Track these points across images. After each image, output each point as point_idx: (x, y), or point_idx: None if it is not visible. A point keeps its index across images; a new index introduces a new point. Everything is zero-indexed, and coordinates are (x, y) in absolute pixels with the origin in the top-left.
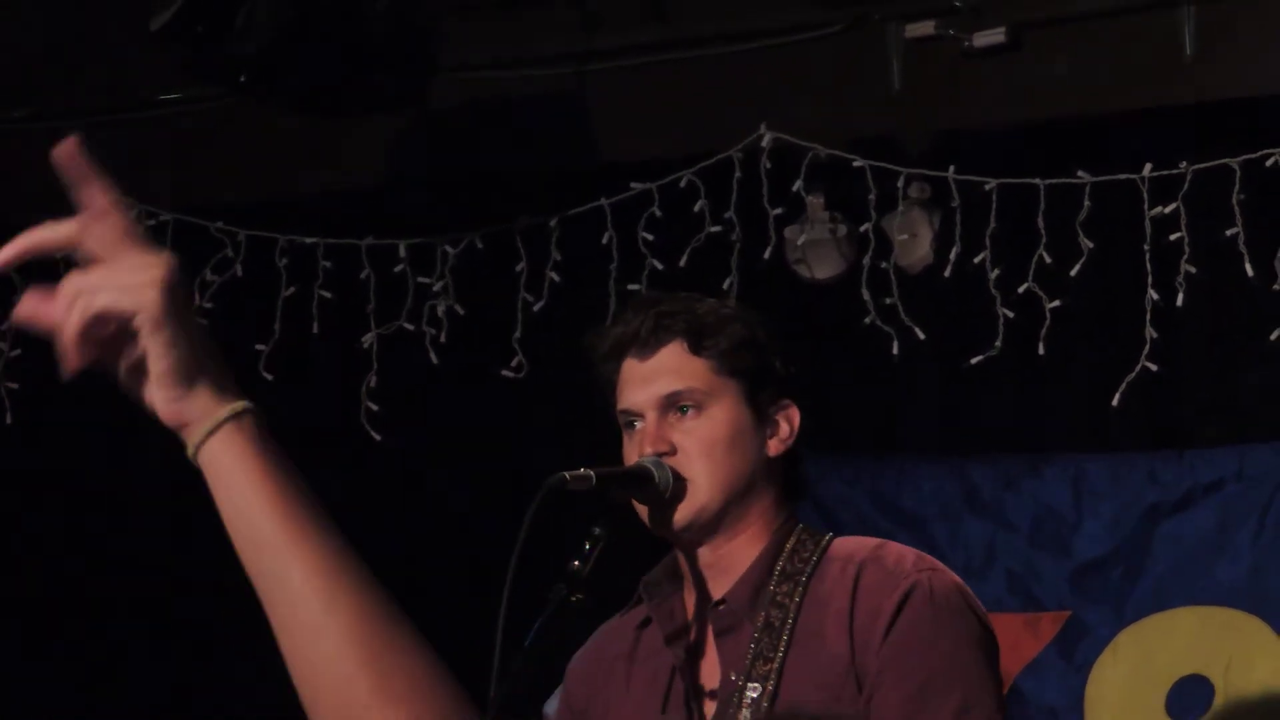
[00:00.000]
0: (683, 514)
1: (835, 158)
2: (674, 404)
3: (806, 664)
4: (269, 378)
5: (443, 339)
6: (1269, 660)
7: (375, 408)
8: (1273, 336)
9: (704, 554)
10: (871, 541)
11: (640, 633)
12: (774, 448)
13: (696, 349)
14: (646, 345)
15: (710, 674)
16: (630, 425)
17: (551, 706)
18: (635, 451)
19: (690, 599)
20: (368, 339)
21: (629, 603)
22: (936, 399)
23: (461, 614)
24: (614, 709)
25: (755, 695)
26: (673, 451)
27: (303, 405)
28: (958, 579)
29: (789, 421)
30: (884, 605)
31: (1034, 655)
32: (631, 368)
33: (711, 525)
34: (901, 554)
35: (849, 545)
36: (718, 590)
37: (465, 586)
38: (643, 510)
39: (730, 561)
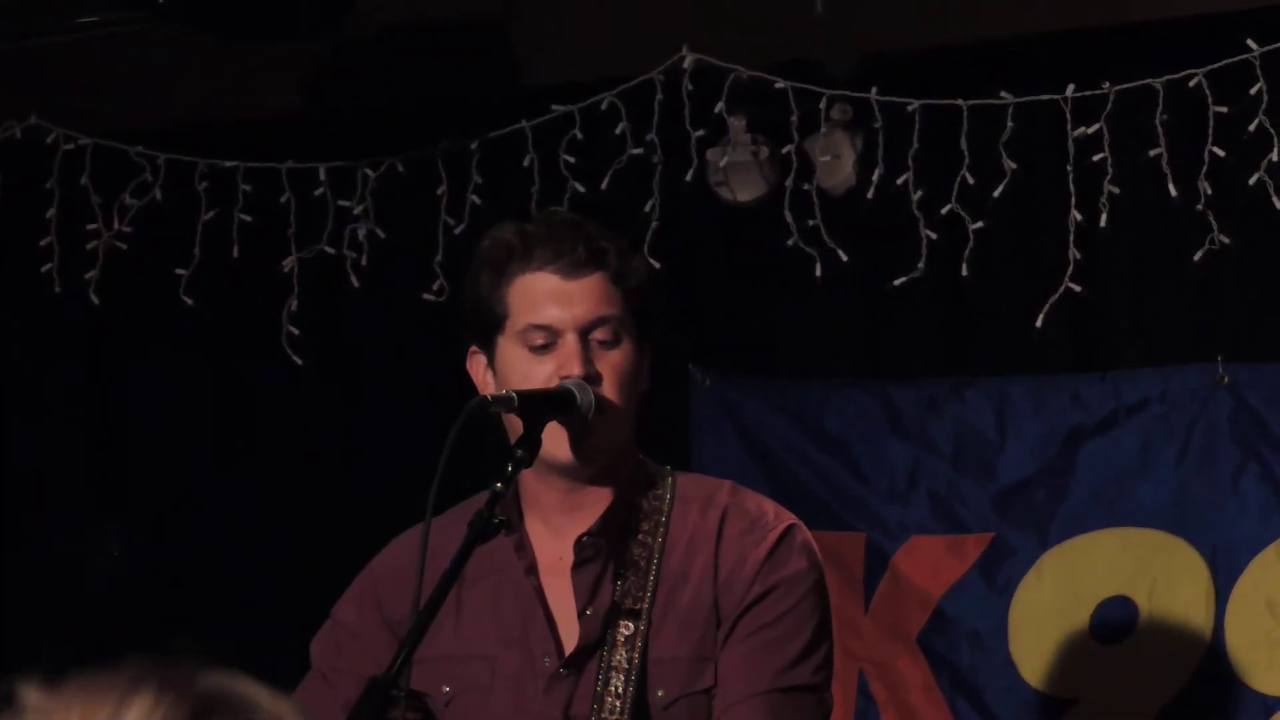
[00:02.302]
0: (599, 443)
1: (757, 79)
2: (593, 330)
3: (674, 605)
4: (189, 302)
5: (364, 262)
6: (1192, 581)
7: (296, 331)
8: (1196, 257)
9: (576, 486)
10: (722, 484)
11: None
12: (644, 385)
13: (618, 281)
14: (575, 266)
15: (564, 607)
16: (540, 345)
17: (346, 612)
18: (548, 370)
19: (539, 528)
20: (288, 263)
21: (479, 518)
22: (859, 321)
23: (383, 537)
24: (444, 627)
25: (629, 634)
26: (597, 378)
27: (223, 330)
28: (808, 532)
29: (650, 361)
30: (749, 554)
31: (957, 578)
32: (549, 282)
33: (611, 457)
34: (760, 502)
35: (699, 486)
36: (576, 523)
37: (387, 509)
38: (554, 436)
39: (594, 495)
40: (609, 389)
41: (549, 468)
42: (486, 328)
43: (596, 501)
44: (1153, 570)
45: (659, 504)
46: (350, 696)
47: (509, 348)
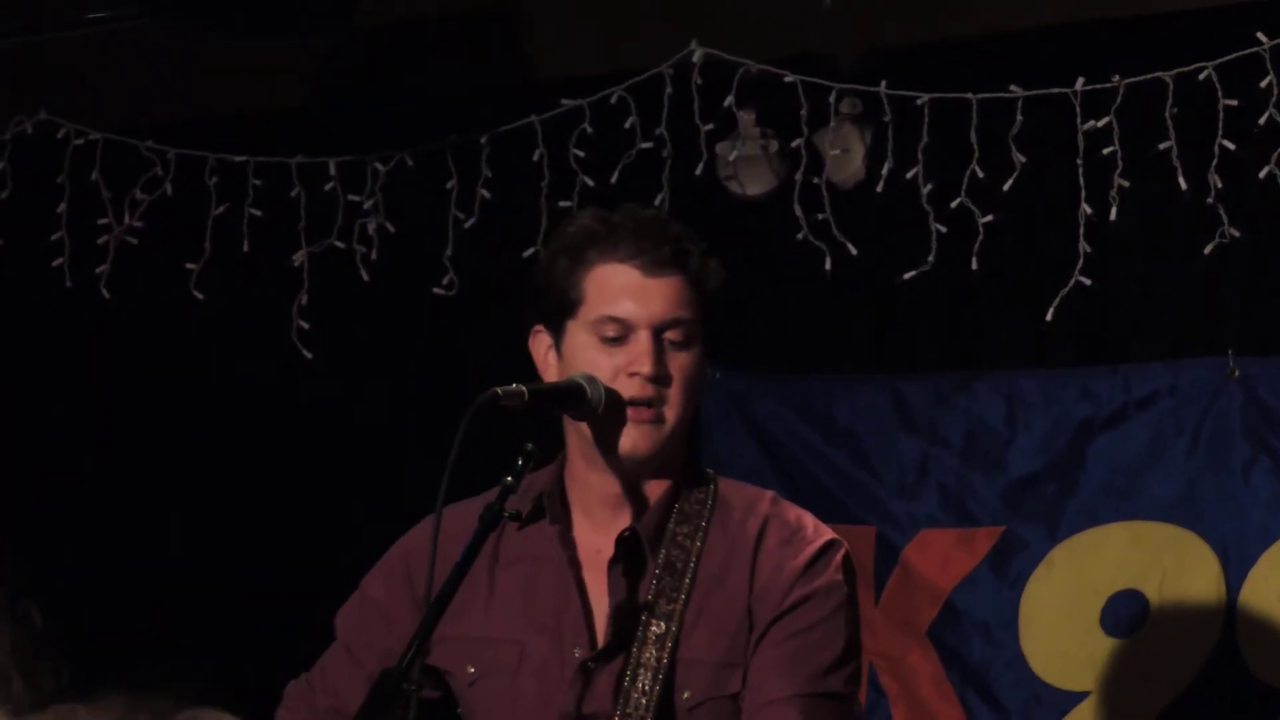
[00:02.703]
0: (653, 440)
1: (767, 73)
2: (667, 330)
3: (708, 609)
4: (200, 296)
5: (374, 257)
6: (1202, 574)
7: (306, 326)
8: (1206, 250)
9: (626, 483)
10: (763, 493)
11: (504, 535)
12: (702, 390)
13: (696, 284)
14: (659, 264)
15: (599, 601)
16: (612, 338)
17: (374, 587)
18: (621, 366)
19: (581, 520)
20: (298, 257)
21: (490, 510)
22: (869, 315)
23: (394, 532)
24: (474, 608)
25: (660, 633)
26: (668, 379)
27: (234, 324)
28: (847, 547)
29: (707, 366)
30: (787, 564)
31: (968, 571)
32: (630, 276)
33: (663, 457)
34: (800, 515)
35: (742, 493)
36: (618, 519)
37: (397, 504)
38: (615, 429)
39: (642, 493)
40: (676, 390)
41: (606, 462)
42: (557, 311)
43: (642, 499)
44: (1163, 563)
45: (700, 508)
46: (374, 671)
47: (579, 334)
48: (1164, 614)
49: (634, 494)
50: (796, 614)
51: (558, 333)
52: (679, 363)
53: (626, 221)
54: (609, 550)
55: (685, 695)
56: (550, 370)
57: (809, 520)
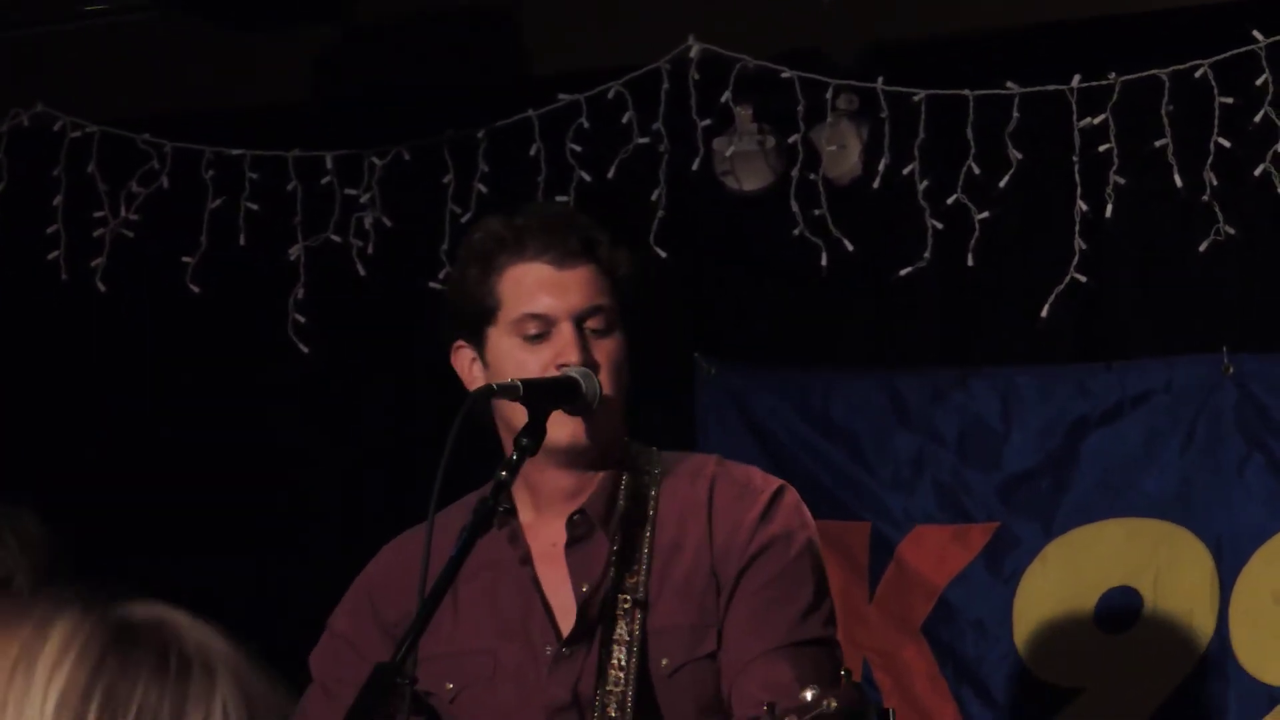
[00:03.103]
0: (598, 432)
1: (763, 69)
2: (588, 319)
3: (670, 575)
4: (196, 290)
5: (370, 251)
6: (1197, 571)
7: (302, 320)
8: (1202, 248)
9: (571, 472)
10: (708, 457)
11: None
12: (629, 375)
13: (608, 271)
14: (568, 256)
15: (561, 591)
16: (534, 335)
17: (341, 622)
18: (544, 359)
19: (532, 518)
20: (295, 251)
21: (484, 506)
22: (865, 311)
23: (389, 525)
24: (442, 624)
25: (627, 606)
26: (596, 366)
27: (230, 318)
28: (797, 494)
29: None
30: (744, 518)
31: (962, 567)
32: (542, 272)
33: (610, 445)
34: (747, 470)
35: (685, 461)
36: (567, 507)
37: (393, 497)
38: (561, 424)
39: (588, 480)
40: (605, 377)
41: (552, 456)
42: (475, 320)
43: (589, 485)
44: (1157, 560)
45: (647, 479)
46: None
47: (501, 339)
48: (1158, 610)
49: (580, 482)
50: (759, 564)
51: (479, 343)
52: (604, 349)
53: (531, 220)
54: (563, 539)
55: (664, 663)
56: (477, 383)
57: (756, 472)
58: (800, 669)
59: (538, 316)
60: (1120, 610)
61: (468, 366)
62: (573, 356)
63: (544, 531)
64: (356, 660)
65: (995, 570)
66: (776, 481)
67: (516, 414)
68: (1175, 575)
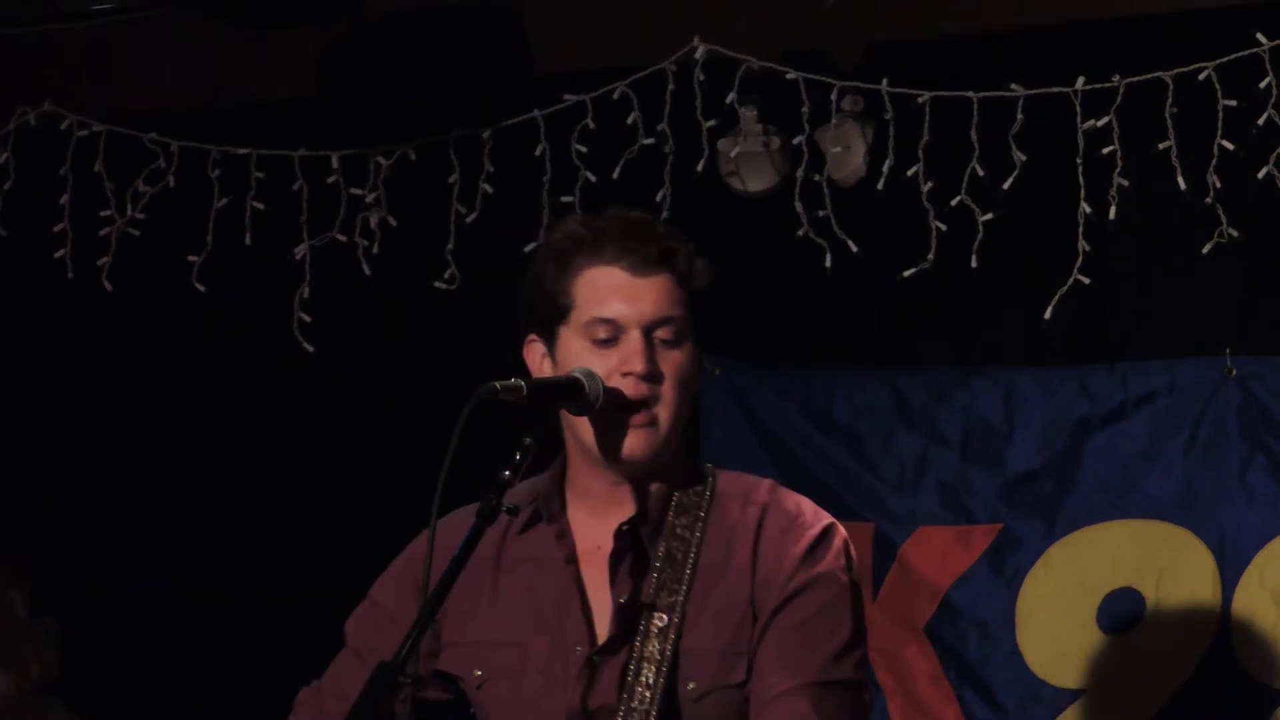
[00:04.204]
0: (652, 442)
1: (768, 70)
2: (658, 329)
3: (710, 599)
4: (201, 289)
5: (375, 250)
6: (1199, 573)
7: (308, 319)
8: (1205, 250)
9: (622, 480)
10: (761, 482)
11: (507, 539)
12: (698, 387)
13: (684, 283)
14: (645, 264)
15: (600, 596)
16: (604, 339)
17: (385, 593)
18: (614, 367)
19: (581, 518)
20: (300, 250)
21: (487, 505)
22: (869, 312)
23: (393, 524)
24: (479, 612)
25: (662, 625)
26: (660, 377)
27: (236, 316)
28: (844, 533)
29: (700, 364)
30: (789, 551)
31: (965, 568)
32: (618, 278)
33: (662, 456)
34: (799, 501)
35: (739, 483)
36: (618, 515)
37: (397, 496)
38: (614, 429)
39: (640, 488)
40: (669, 388)
41: (605, 462)
42: (549, 317)
43: (642, 495)
44: (1160, 562)
45: (699, 499)
46: None
47: (572, 339)
48: (1160, 612)
49: (633, 491)
50: (800, 601)
51: (550, 340)
52: (671, 361)
53: (612, 225)
54: (609, 546)
55: (690, 686)
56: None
57: (808, 506)
58: (824, 711)
59: (608, 321)
60: (1123, 611)
61: (539, 361)
62: (638, 366)
63: (591, 533)
64: (394, 631)
65: (998, 571)
66: (827, 518)
67: (583, 423)
68: (1178, 577)
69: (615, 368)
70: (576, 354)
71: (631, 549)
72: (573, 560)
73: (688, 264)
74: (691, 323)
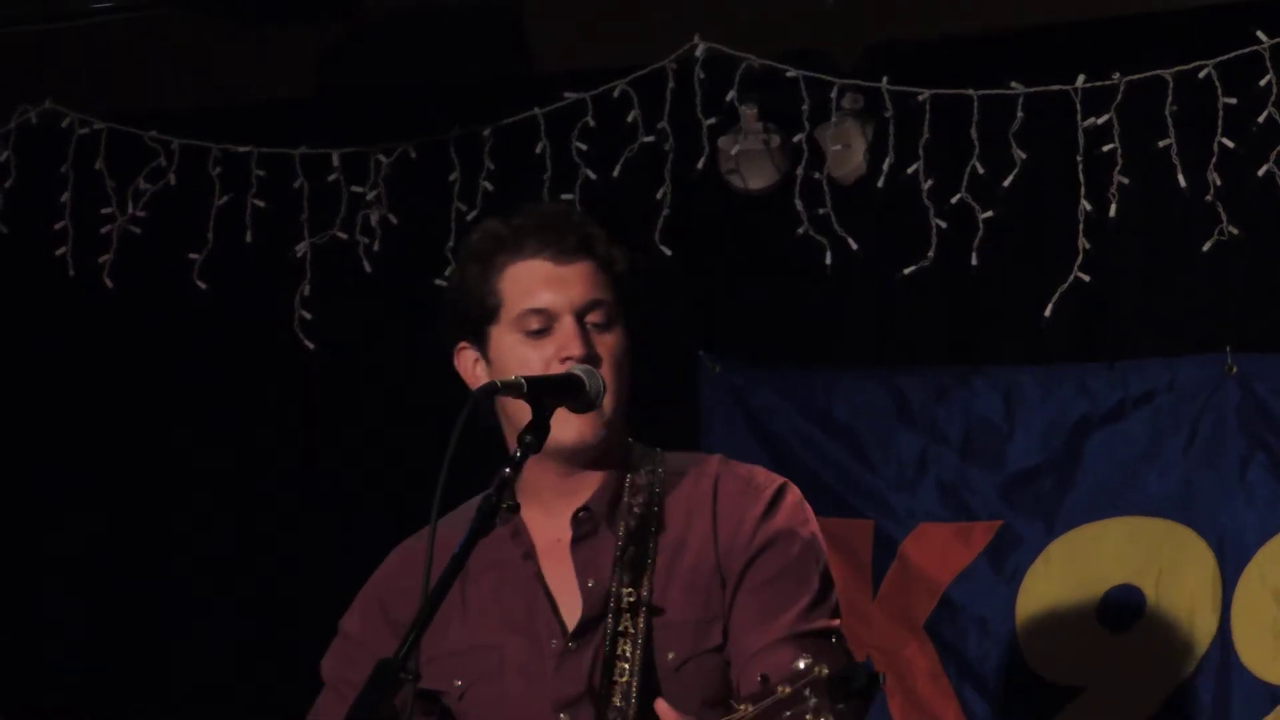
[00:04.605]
0: (596, 426)
1: (769, 68)
2: (588, 313)
3: (676, 570)
4: (203, 286)
5: (376, 248)
6: (1199, 570)
7: (309, 316)
8: (1205, 247)
9: (573, 469)
10: (711, 456)
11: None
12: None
13: (606, 267)
14: (567, 252)
15: (566, 586)
16: (537, 330)
17: (352, 625)
18: (547, 354)
19: (535, 515)
20: (301, 248)
21: (488, 503)
22: (869, 310)
23: (393, 520)
24: (451, 623)
25: (633, 601)
26: (598, 360)
27: (236, 314)
28: (799, 491)
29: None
30: (747, 514)
31: (965, 565)
32: (543, 269)
33: (610, 440)
34: (750, 468)
35: (689, 460)
36: (572, 505)
37: (396, 493)
38: (563, 421)
39: (590, 477)
40: (608, 371)
41: (551, 453)
42: (477, 320)
43: (592, 482)
44: (1160, 559)
45: (651, 478)
46: None
47: (503, 337)
48: (1160, 609)
49: (583, 478)
50: (764, 559)
51: (481, 342)
52: (605, 344)
53: (529, 219)
54: (568, 535)
55: (670, 656)
56: (479, 383)
57: (759, 471)
58: (805, 654)
59: (539, 311)
60: (1123, 609)
61: (471, 367)
62: (575, 350)
63: (547, 528)
64: (369, 661)
65: (998, 568)
66: (779, 479)
67: (521, 411)
68: (1178, 574)
69: (552, 356)
70: (510, 350)
71: (591, 535)
72: (530, 556)
73: (607, 249)
74: (620, 307)
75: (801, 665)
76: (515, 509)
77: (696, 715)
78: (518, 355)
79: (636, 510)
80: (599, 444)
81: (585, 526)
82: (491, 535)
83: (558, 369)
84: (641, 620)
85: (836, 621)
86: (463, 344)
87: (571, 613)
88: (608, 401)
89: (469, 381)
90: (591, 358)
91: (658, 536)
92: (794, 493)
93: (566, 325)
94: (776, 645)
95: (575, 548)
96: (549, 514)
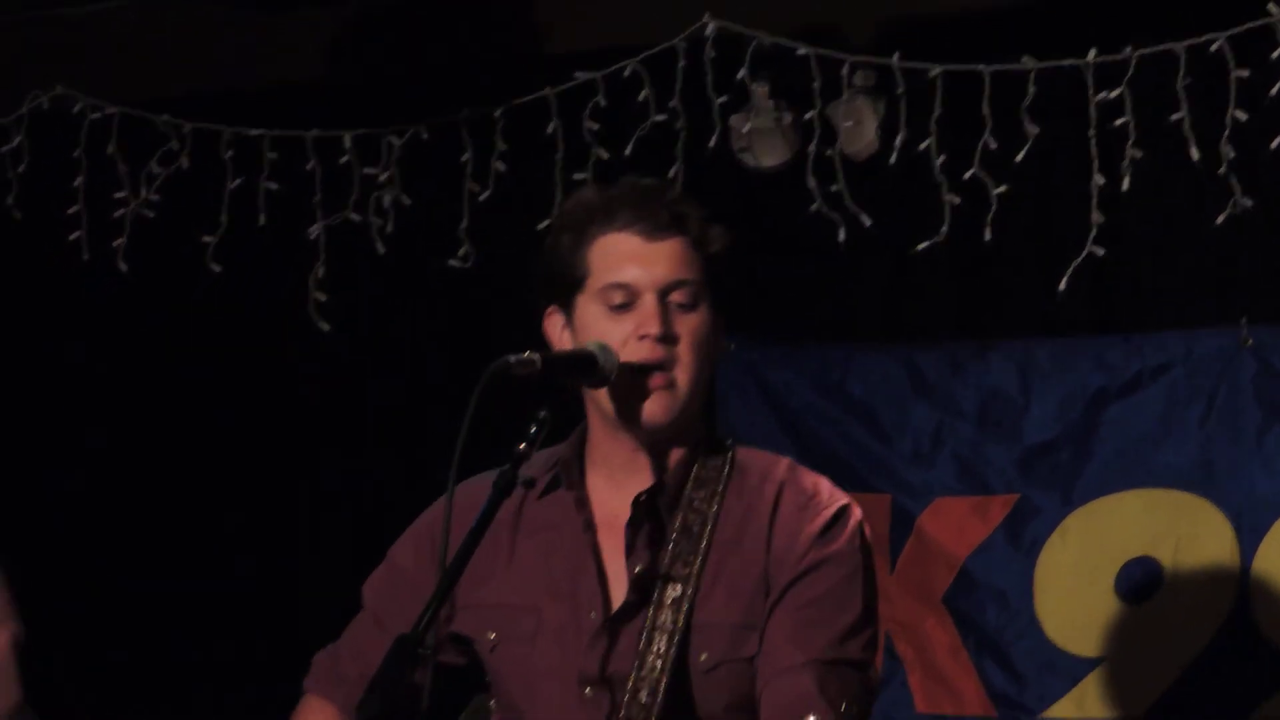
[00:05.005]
0: (670, 405)
1: (779, 45)
2: (672, 292)
3: (724, 572)
4: (217, 269)
5: (389, 229)
6: (1217, 541)
7: (323, 298)
8: (1219, 220)
9: (644, 449)
10: (780, 459)
11: (525, 504)
12: (718, 353)
13: (698, 246)
14: (657, 229)
15: (616, 565)
16: (619, 304)
17: (404, 555)
18: (627, 330)
19: (601, 486)
20: (314, 230)
21: (503, 478)
22: (883, 286)
23: (410, 501)
24: (495, 576)
25: (676, 596)
26: (675, 339)
27: (251, 297)
28: (860, 513)
29: (723, 333)
30: (805, 528)
31: (982, 539)
32: (631, 243)
33: (681, 420)
34: (816, 480)
35: (758, 460)
36: (637, 484)
37: (412, 472)
38: (632, 393)
39: (659, 457)
40: (686, 350)
41: (627, 428)
42: (566, 287)
43: (661, 464)
44: (1177, 531)
45: (716, 474)
46: None
47: (588, 307)
48: (1178, 580)
49: (653, 459)
50: (811, 578)
51: (568, 310)
52: (687, 324)
53: (624, 192)
54: (626, 515)
55: (702, 658)
56: (566, 347)
57: (825, 485)
58: (828, 688)
59: (623, 286)
60: (1140, 580)
61: (558, 332)
62: (653, 328)
63: (609, 502)
64: (412, 595)
65: (1015, 541)
66: (843, 498)
67: (602, 390)
68: (1195, 545)
69: (631, 332)
70: (593, 320)
71: (648, 519)
72: (590, 528)
73: (700, 228)
74: (707, 287)
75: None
76: (529, 484)
77: (719, 718)
78: (599, 328)
79: (697, 505)
80: (672, 423)
81: (642, 512)
82: (554, 496)
83: (635, 346)
84: (681, 617)
85: (870, 654)
86: (552, 309)
87: (616, 594)
88: (682, 379)
89: (554, 345)
90: (670, 337)
91: (712, 534)
92: (855, 515)
93: (648, 303)
94: (803, 669)
95: (630, 530)
96: (615, 488)
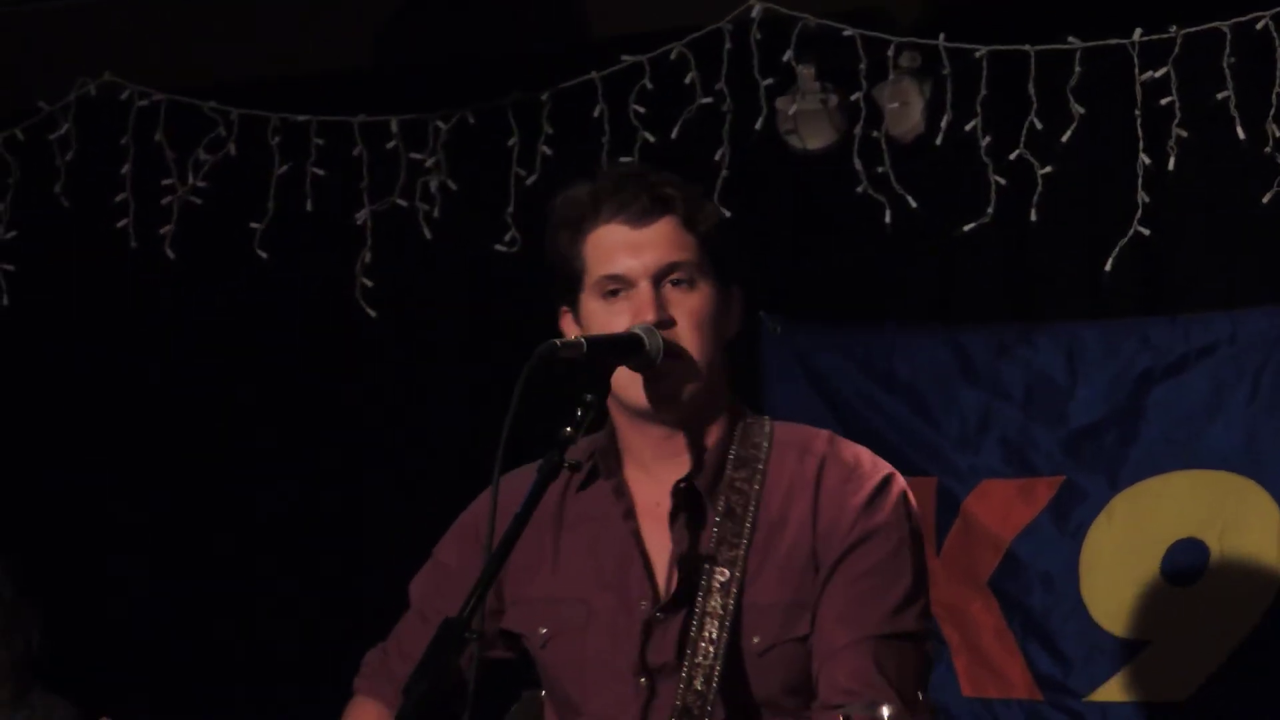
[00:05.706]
0: (677, 388)
1: (825, 27)
2: (667, 276)
3: (771, 552)
4: (264, 256)
5: (436, 214)
6: (1263, 522)
7: (370, 284)
8: (1265, 199)
9: (668, 432)
10: (819, 433)
11: (566, 497)
12: (731, 329)
13: (689, 226)
14: (642, 215)
15: (661, 553)
16: (613, 294)
17: (448, 553)
18: (625, 319)
19: (637, 474)
20: (361, 216)
21: (549, 462)
22: (929, 268)
23: (458, 486)
24: (542, 570)
25: (724, 580)
26: (671, 323)
27: (298, 283)
28: (903, 482)
29: (739, 305)
30: (849, 503)
31: (1028, 521)
32: (619, 233)
33: (695, 402)
34: (857, 452)
35: (796, 434)
36: (673, 470)
37: (459, 455)
38: (630, 382)
39: (690, 441)
40: (685, 333)
41: (639, 416)
42: (569, 285)
43: (693, 448)
44: (1224, 512)
45: (756, 451)
46: None
47: (590, 302)
48: (1225, 562)
49: (684, 444)
50: (861, 551)
51: (575, 307)
52: (686, 305)
53: (606, 183)
54: (667, 503)
55: (755, 640)
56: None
57: (866, 456)
58: (885, 663)
59: (615, 277)
60: (1187, 563)
61: (572, 331)
62: (648, 315)
63: (649, 490)
64: (457, 591)
65: (1061, 524)
66: (886, 468)
67: (622, 380)
68: (1242, 527)
69: (629, 321)
70: (595, 315)
71: (690, 505)
72: (631, 515)
73: (688, 207)
74: (708, 264)
75: (886, 714)
76: (575, 467)
77: (777, 700)
78: (600, 320)
79: (738, 485)
80: (689, 401)
81: (683, 499)
82: (595, 488)
83: (619, 331)
84: (731, 601)
85: (924, 624)
86: (563, 308)
87: (664, 582)
88: (678, 364)
89: None
90: (664, 321)
91: (756, 514)
92: (898, 484)
93: (642, 290)
94: (859, 645)
95: (673, 519)
96: (650, 477)
